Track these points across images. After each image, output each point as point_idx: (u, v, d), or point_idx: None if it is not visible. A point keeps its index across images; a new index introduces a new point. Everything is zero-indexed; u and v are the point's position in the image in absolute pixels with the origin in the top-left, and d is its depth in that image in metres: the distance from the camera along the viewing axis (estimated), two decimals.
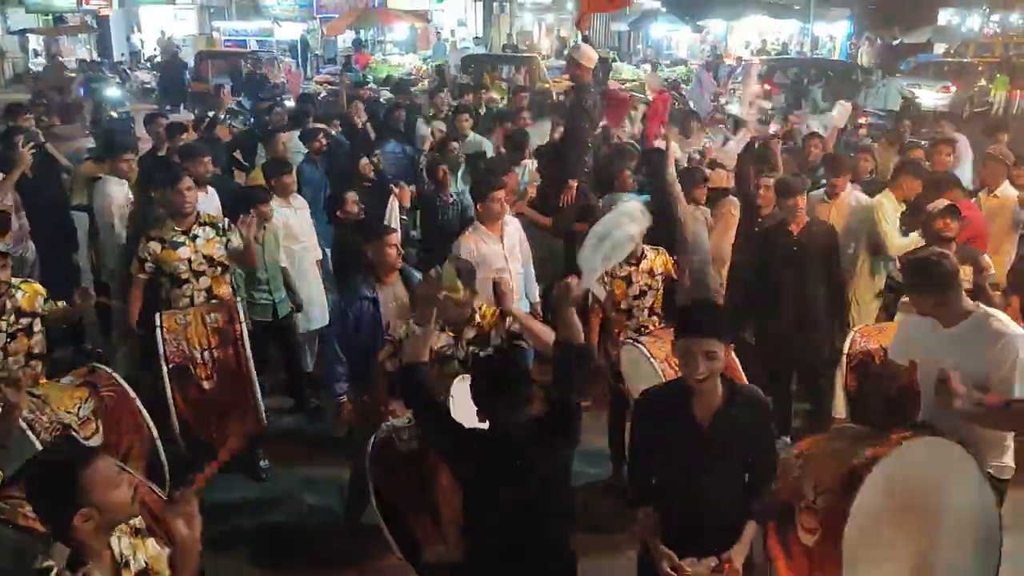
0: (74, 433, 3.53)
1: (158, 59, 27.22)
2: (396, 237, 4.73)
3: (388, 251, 4.59)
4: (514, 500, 2.91)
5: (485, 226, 5.40)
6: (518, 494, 2.90)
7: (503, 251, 5.39)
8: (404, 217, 5.69)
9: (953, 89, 21.04)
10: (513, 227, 5.58)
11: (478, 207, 5.46)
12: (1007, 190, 6.39)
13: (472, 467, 2.99)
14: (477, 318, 4.08)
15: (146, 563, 2.54)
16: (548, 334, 3.74)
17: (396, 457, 3.54)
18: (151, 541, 2.60)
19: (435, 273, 3.26)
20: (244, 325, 4.53)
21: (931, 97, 20.68)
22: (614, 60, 22.93)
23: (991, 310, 3.38)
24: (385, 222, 5.45)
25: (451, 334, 4.03)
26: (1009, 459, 3.45)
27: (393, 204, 5.60)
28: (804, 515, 3.18)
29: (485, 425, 3.00)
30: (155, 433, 3.82)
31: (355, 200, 5.78)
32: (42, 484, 2.41)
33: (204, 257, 5.06)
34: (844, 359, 4.46)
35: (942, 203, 5.00)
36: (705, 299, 2.95)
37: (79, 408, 3.67)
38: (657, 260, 5.14)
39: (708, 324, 2.92)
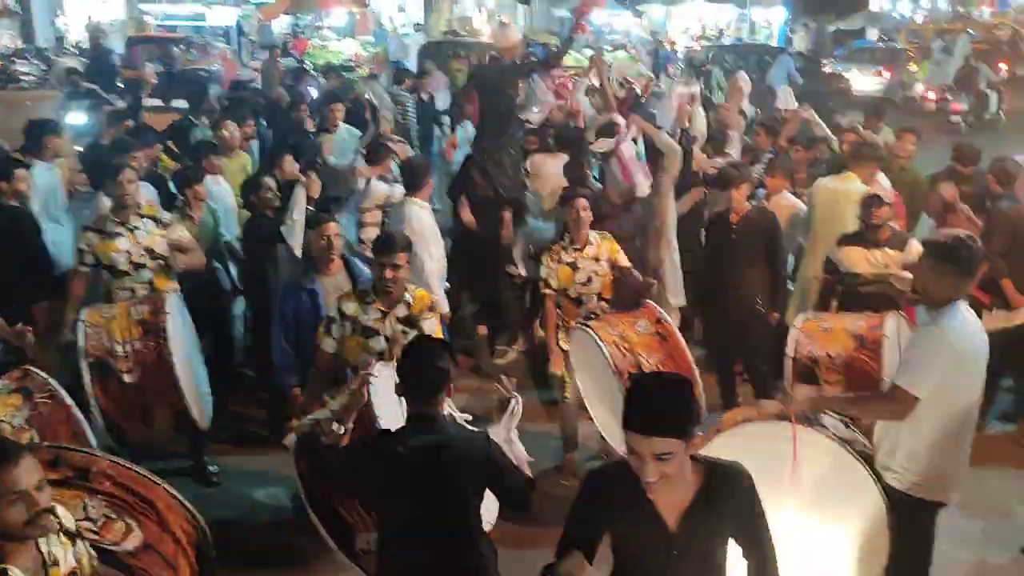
0: None
1: (84, 45, 26.29)
2: (334, 227, 4.62)
3: (323, 241, 4.50)
4: (433, 499, 2.81)
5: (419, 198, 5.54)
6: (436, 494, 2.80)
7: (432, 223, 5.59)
8: (311, 208, 5.50)
9: (886, 74, 21.56)
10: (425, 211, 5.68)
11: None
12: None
13: (391, 472, 2.83)
14: (408, 298, 4.07)
15: (76, 561, 2.45)
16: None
17: (322, 450, 3.41)
18: (81, 543, 2.51)
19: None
20: (169, 316, 4.39)
21: (865, 82, 21.18)
22: (556, 45, 22.88)
23: (958, 308, 3.25)
24: (289, 213, 5.30)
25: (380, 308, 4.01)
26: (909, 472, 3.27)
27: (299, 194, 5.38)
28: None
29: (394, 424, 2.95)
30: (93, 441, 3.65)
31: (270, 186, 5.60)
32: None
33: (145, 250, 4.91)
34: (789, 362, 4.48)
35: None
36: (657, 382, 2.42)
37: (13, 417, 3.46)
38: (603, 245, 5.14)
39: (658, 420, 2.21)
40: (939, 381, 3.12)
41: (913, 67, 22.74)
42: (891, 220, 5.26)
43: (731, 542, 2.42)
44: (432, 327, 4.11)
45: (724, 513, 2.35)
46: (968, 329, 3.23)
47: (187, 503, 3.00)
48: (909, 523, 3.23)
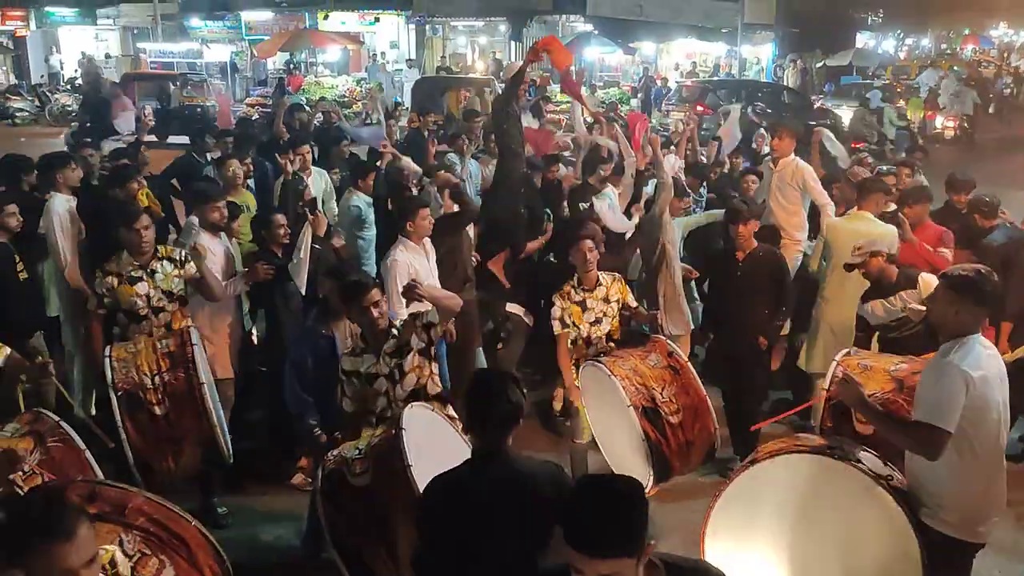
0: (19, 490, 3.26)
1: (79, 81, 26.37)
2: (378, 294, 4.37)
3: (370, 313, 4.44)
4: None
5: (411, 240, 5.48)
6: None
7: (428, 265, 5.50)
8: (317, 247, 5.50)
9: None
10: (428, 243, 5.65)
11: (408, 224, 5.48)
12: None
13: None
14: (394, 331, 4.07)
15: None
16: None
17: (348, 491, 3.37)
18: None
19: None
20: (197, 348, 4.37)
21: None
22: (548, 83, 23.12)
23: (970, 342, 3.25)
24: (296, 251, 5.29)
25: (370, 353, 4.02)
26: (950, 512, 3.24)
27: (306, 232, 5.39)
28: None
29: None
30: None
31: (282, 223, 5.59)
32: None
33: (163, 293, 4.90)
34: (823, 396, 4.32)
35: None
36: (605, 493, 2.07)
37: (21, 467, 3.39)
38: (613, 287, 5.14)
39: (606, 539, 1.99)
40: (962, 415, 3.09)
41: (901, 103, 23.06)
42: (883, 268, 5.17)
43: None
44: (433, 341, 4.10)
45: None
46: (986, 362, 3.20)
47: (215, 542, 2.98)
48: (943, 562, 3.20)
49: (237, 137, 8.62)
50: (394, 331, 4.07)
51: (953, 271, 3.37)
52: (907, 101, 23.40)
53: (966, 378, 3.10)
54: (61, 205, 5.71)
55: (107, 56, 29.51)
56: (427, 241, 5.62)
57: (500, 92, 7.27)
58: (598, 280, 5.10)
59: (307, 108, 12.29)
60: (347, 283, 4.15)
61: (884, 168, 7.50)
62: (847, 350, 4.75)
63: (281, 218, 5.61)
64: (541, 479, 2.75)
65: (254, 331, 6.31)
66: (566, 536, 2.00)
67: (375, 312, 3.99)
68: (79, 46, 30.33)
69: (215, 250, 5.30)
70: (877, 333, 5.24)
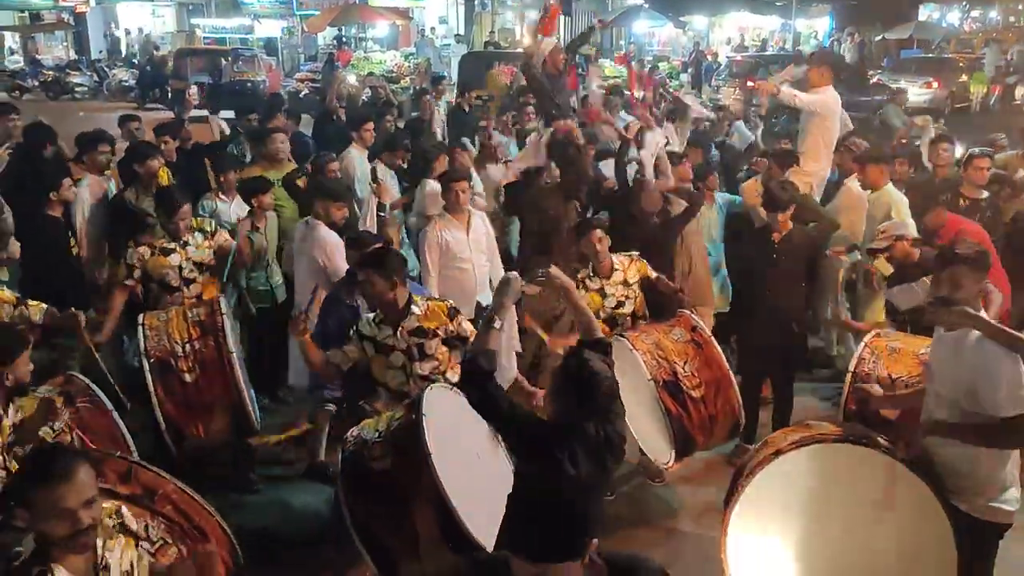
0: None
1: (136, 57, 26.93)
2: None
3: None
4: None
5: (451, 215, 5.48)
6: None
7: (467, 241, 5.46)
8: (382, 214, 5.61)
9: (935, 85, 21.14)
10: (480, 220, 5.64)
11: (443, 197, 5.56)
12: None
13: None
14: (415, 308, 4.08)
15: (130, 565, 2.51)
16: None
17: (367, 476, 3.38)
18: (141, 548, 2.59)
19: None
20: (227, 317, 4.46)
21: (914, 93, 20.76)
22: (597, 57, 22.88)
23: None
24: (362, 219, 5.40)
25: (390, 324, 4.04)
26: (989, 498, 3.22)
27: (371, 202, 5.50)
28: (735, 489, 3.63)
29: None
30: (132, 446, 3.71)
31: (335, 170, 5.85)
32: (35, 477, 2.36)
33: (195, 264, 4.99)
34: (849, 377, 4.29)
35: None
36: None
37: (54, 422, 3.53)
38: (631, 269, 5.10)
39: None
40: None
41: (964, 78, 22.29)
42: (908, 252, 5.02)
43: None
44: (469, 329, 4.13)
45: None
46: None
47: (232, 537, 3.08)
48: (976, 546, 3.19)
49: (287, 112, 8.69)
50: (414, 308, 4.09)
51: (965, 250, 3.28)
52: (970, 76, 22.60)
53: (1015, 362, 3.06)
54: (86, 190, 5.86)
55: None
56: (477, 215, 5.62)
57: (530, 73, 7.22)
58: (613, 266, 5.05)
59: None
60: (371, 253, 4.23)
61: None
62: (876, 331, 4.66)
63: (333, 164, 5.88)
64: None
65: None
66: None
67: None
68: (137, 22, 30.95)
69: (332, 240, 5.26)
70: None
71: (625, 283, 5.07)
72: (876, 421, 3.90)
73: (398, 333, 4.05)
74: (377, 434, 3.42)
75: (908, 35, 29.73)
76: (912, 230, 5.28)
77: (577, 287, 4.90)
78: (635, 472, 5.11)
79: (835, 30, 32.55)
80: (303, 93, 19.48)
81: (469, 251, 5.42)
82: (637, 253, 5.20)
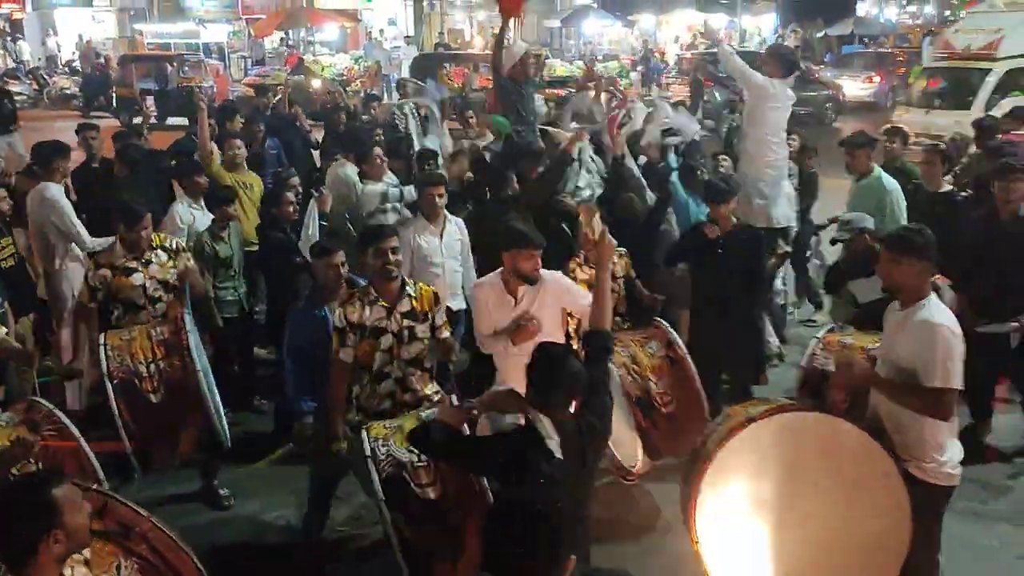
0: (12, 477, 3.30)
1: (76, 64, 26.28)
2: (341, 255, 4.59)
3: (332, 272, 4.51)
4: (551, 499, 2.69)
5: (426, 220, 5.50)
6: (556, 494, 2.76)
7: (440, 245, 5.47)
8: (324, 223, 5.61)
9: (877, 79, 21.68)
10: (455, 226, 5.64)
11: (418, 200, 5.61)
12: None
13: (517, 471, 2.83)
14: (410, 291, 4.10)
15: None
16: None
17: (416, 503, 3.32)
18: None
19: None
20: (191, 334, 4.38)
21: (856, 88, 21.28)
22: (547, 57, 22.98)
23: (935, 302, 3.42)
24: (304, 228, 5.39)
25: (384, 304, 4.04)
26: (939, 465, 3.38)
27: (312, 210, 5.52)
28: (698, 460, 3.65)
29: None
30: (100, 474, 3.60)
31: (291, 200, 5.71)
32: (13, 507, 2.35)
33: (159, 282, 4.86)
34: (801, 373, 4.45)
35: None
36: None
37: (29, 460, 3.41)
38: (618, 263, 5.16)
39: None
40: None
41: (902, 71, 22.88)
42: (869, 245, 5.09)
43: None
44: (443, 318, 4.20)
45: None
46: (949, 312, 3.40)
47: None
48: (928, 510, 3.35)
49: (246, 118, 8.58)
50: (409, 291, 4.12)
51: (889, 235, 3.51)
52: (909, 70, 23.20)
53: (956, 334, 3.26)
54: (59, 192, 5.78)
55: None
56: (452, 221, 5.61)
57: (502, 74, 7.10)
58: None
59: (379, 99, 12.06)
60: (370, 226, 4.26)
61: None
62: (831, 326, 4.81)
63: (290, 195, 5.73)
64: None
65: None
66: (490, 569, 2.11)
67: (391, 257, 4.02)
68: (76, 28, 30.16)
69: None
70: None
71: (611, 276, 5.10)
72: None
73: (392, 316, 4.04)
74: (420, 459, 3.34)
75: (849, 31, 30.46)
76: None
77: (567, 275, 4.97)
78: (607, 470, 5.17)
79: (779, 27, 33.20)
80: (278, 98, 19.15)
81: (441, 256, 5.42)
82: (624, 250, 5.24)
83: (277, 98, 10.47)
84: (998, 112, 10.29)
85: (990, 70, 14.02)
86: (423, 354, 4.13)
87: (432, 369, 4.29)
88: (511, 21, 7.32)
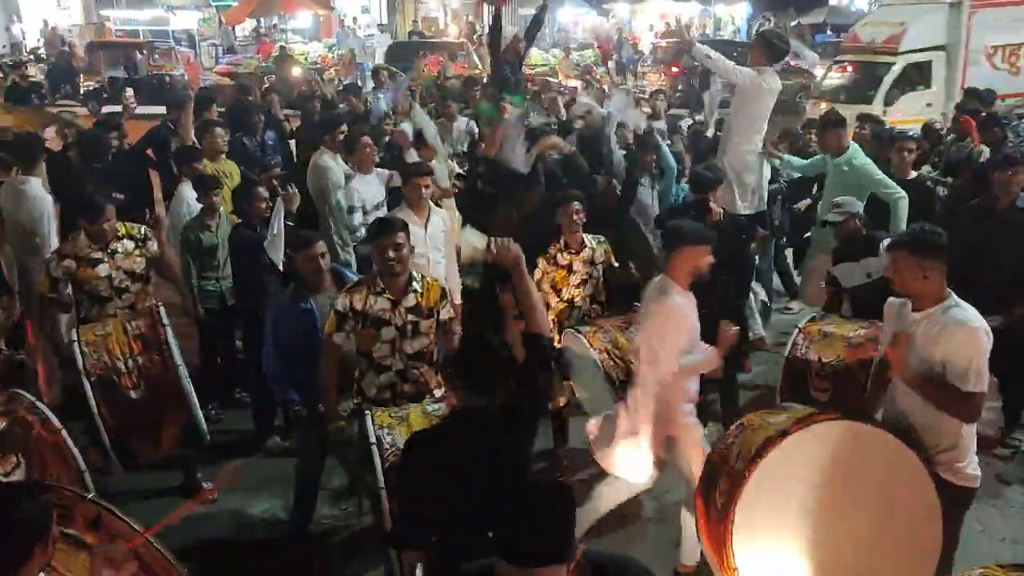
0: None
1: (42, 52, 25.71)
2: (321, 246, 4.51)
3: (313, 263, 4.43)
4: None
5: (411, 209, 5.43)
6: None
7: (424, 236, 5.40)
8: (291, 223, 5.50)
9: (849, 69, 21.80)
10: (439, 217, 5.61)
11: (403, 190, 5.54)
12: None
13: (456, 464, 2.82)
14: (416, 286, 4.09)
15: None
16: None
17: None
18: None
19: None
20: (168, 329, 4.31)
21: (830, 76, 21.38)
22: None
23: (959, 301, 3.29)
24: (270, 227, 5.30)
25: (389, 297, 4.01)
26: (966, 465, 3.34)
27: (279, 210, 5.38)
28: (722, 478, 3.35)
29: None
30: (82, 465, 3.56)
31: (263, 196, 5.59)
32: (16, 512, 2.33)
33: (125, 273, 4.79)
34: (784, 363, 4.49)
35: None
36: (538, 499, 2.06)
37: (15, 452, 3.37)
38: (599, 249, 5.17)
39: (540, 548, 1.99)
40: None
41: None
42: (856, 230, 5.15)
43: None
44: (449, 314, 4.19)
45: None
46: (975, 311, 3.25)
47: None
48: (955, 512, 3.31)
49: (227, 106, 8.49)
50: (415, 286, 4.09)
51: (900, 237, 3.35)
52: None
53: (989, 335, 3.18)
54: (40, 189, 5.70)
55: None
56: (437, 213, 5.58)
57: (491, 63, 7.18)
58: (583, 242, 5.13)
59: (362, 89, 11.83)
60: (379, 219, 4.25)
61: None
62: (812, 315, 4.85)
63: (262, 191, 5.60)
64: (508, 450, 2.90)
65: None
66: (500, 549, 1.97)
67: (392, 253, 3.99)
68: (41, 15, 29.50)
69: None
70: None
71: (591, 262, 5.15)
72: (808, 401, 4.12)
73: (396, 310, 4.02)
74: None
75: (822, 20, 30.63)
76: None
77: (548, 262, 5.03)
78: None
79: (752, 16, 33.31)
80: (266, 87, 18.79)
81: (425, 246, 5.37)
82: (603, 238, 5.27)
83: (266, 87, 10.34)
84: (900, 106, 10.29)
85: (892, 64, 13.93)
86: (428, 348, 4.11)
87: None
88: (504, 7, 7.36)
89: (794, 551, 3.23)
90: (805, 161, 6.80)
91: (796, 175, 7.18)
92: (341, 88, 12.16)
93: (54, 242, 5.69)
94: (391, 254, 3.98)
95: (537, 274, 5.10)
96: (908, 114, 13.17)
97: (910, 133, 8.19)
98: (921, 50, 14.13)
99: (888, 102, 13.60)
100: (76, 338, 4.19)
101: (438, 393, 4.04)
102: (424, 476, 2.86)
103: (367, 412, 3.61)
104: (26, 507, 2.37)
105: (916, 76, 14.08)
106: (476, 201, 6.26)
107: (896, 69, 13.92)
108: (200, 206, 5.71)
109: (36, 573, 2.35)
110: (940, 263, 3.24)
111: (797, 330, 4.59)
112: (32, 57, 25.19)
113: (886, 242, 4.81)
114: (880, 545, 3.23)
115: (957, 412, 3.24)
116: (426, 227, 5.43)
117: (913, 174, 6.37)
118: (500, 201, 5.85)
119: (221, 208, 5.69)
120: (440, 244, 5.54)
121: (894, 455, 3.23)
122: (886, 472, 3.25)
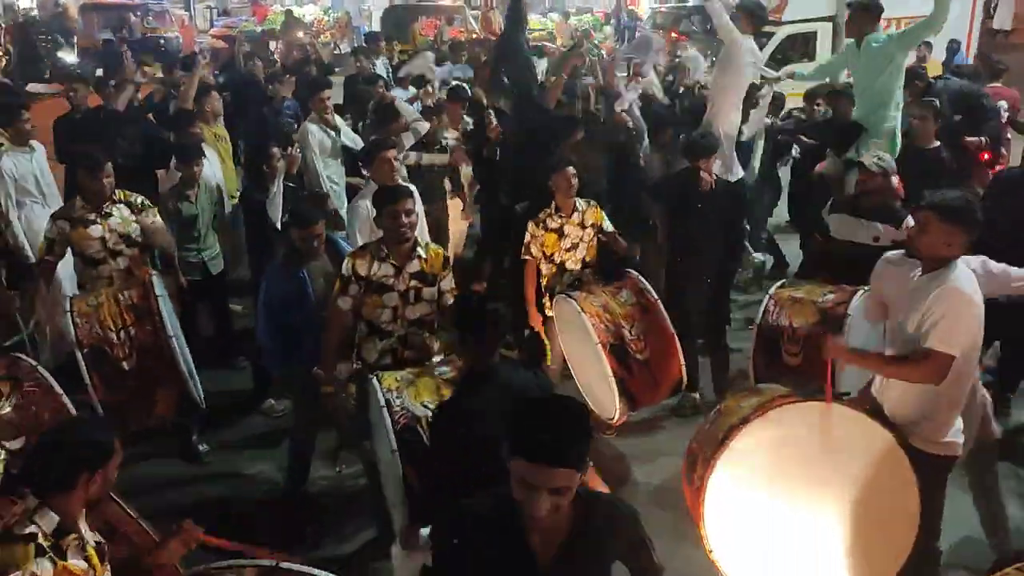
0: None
1: (35, 14, 25.40)
2: (320, 227, 4.51)
3: (311, 242, 4.44)
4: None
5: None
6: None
7: None
8: (291, 184, 5.55)
9: None
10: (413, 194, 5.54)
11: (370, 166, 5.33)
12: None
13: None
14: (420, 252, 4.11)
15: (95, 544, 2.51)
16: None
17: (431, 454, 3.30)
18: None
19: None
20: (162, 300, 4.33)
21: None
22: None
23: (964, 268, 3.22)
24: (270, 188, 5.34)
25: (393, 263, 4.04)
26: (944, 435, 3.31)
27: (280, 171, 5.41)
28: (699, 463, 3.44)
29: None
30: None
31: (278, 156, 5.64)
32: (75, 436, 2.47)
33: (120, 236, 4.80)
34: (755, 330, 4.50)
35: None
36: (559, 409, 2.12)
37: (1, 406, 3.42)
38: (589, 212, 5.19)
39: (563, 449, 2.03)
40: (968, 338, 3.11)
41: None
42: (881, 188, 4.81)
43: None
44: (450, 284, 4.20)
45: (604, 546, 2.25)
46: (973, 280, 3.20)
47: None
48: (933, 482, 3.28)
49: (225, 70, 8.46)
50: (420, 252, 4.12)
51: (940, 201, 3.20)
52: None
53: (969, 299, 3.11)
54: (7, 163, 5.72)
55: None
56: (409, 189, 5.50)
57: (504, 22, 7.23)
58: (575, 206, 5.14)
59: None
60: (387, 187, 4.29)
61: None
62: (782, 281, 4.87)
63: (276, 150, 5.64)
64: (531, 391, 3.02)
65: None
66: (522, 450, 2.02)
67: (404, 220, 4.00)
68: None
69: None
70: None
71: (582, 225, 5.16)
72: (782, 369, 4.17)
73: (400, 275, 4.05)
74: (430, 411, 3.35)
75: None
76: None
77: (538, 225, 5.09)
78: None
79: None
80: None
81: None
82: (593, 201, 5.28)
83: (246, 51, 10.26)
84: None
85: (773, 34, 13.23)
86: (429, 315, 4.14)
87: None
88: None
89: (767, 532, 3.29)
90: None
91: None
92: (349, 52, 12.09)
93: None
94: (403, 219, 3.99)
95: (527, 237, 5.13)
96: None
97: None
98: (805, 20, 13.68)
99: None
100: (69, 308, 4.21)
101: (437, 360, 4.07)
102: (458, 441, 2.94)
103: (373, 376, 3.61)
104: (82, 437, 2.47)
105: (801, 47, 13.57)
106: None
107: (776, 39, 13.27)
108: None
109: (79, 507, 2.39)
110: (968, 236, 3.16)
111: (768, 296, 4.60)
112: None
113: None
114: (856, 517, 3.24)
115: (913, 371, 3.16)
116: None
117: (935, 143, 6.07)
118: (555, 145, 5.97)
119: (201, 178, 5.68)
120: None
121: (859, 428, 3.24)
122: (852, 446, 3.24)
